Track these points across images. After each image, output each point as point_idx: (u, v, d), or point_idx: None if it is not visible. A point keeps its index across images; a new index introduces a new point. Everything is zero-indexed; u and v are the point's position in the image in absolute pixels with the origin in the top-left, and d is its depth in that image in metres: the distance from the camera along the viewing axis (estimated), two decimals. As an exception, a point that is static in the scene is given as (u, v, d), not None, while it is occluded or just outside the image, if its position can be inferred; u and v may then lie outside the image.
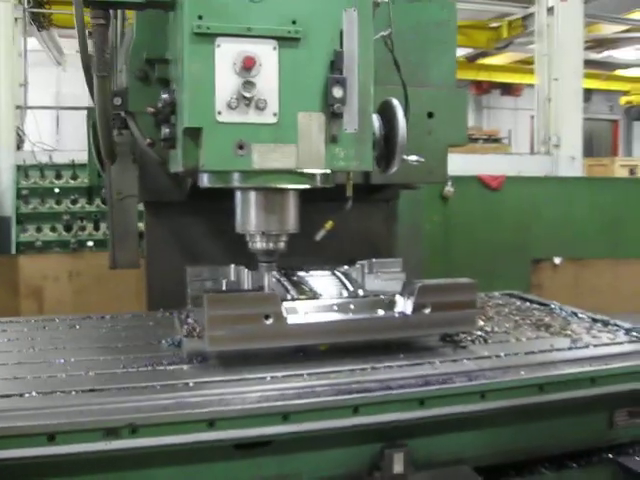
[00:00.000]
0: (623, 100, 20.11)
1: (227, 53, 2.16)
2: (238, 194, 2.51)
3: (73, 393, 2.05)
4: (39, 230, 7.05)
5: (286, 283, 2.70)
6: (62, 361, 2.41)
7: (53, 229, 7.06)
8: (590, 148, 17.11)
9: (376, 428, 2.14)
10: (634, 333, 2.78)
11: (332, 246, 2.95)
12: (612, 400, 2.46)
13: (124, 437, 1.88)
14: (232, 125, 2.18)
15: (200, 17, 2.13)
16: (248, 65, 2.15)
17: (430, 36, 3.28)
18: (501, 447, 2.38)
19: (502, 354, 2.46)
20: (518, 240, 6.42)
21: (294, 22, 2.21)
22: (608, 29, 13.75)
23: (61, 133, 11.10)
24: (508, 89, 20.08)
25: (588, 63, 12.17)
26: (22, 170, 7.13)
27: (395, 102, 2.55)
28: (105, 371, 2.27)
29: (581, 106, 9.35)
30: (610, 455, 2.52)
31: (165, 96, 2.41)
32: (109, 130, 2.72)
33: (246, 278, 2.87)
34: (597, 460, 2.51)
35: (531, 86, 12.14)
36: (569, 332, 2.81)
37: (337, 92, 2.21)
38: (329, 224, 2.80)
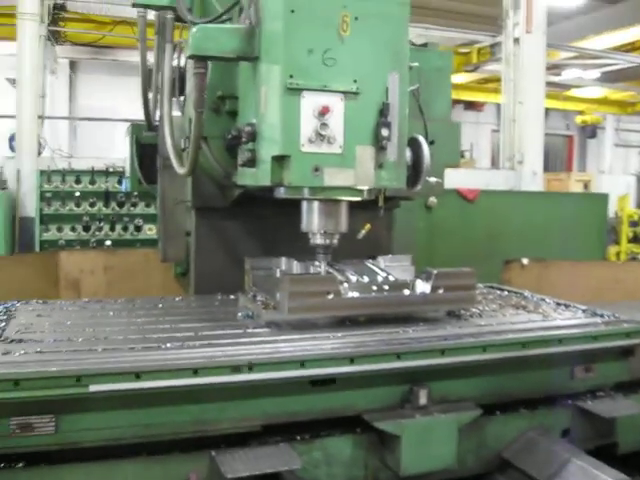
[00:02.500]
0: (579, 119, 21.26)
1: (309, 102, 2.96)
2: (304, 203, 3.30)
3: (197, 344, 2.76)
4: (60, 230, 7.68)
5: (332, 271, 3.45)
6: (169, 326, 3.09)
7: (73, 229, 7.70)
8: (547, 161, 18.21)
9: (407, 372, 2.93)
10: (588, 312, 3.67)
11: (345, 245, 3.55)
12: (573, 358, 3.31)
13: (244, 372, 2.62)
14: (311, 154, 2.99)
15: (291, 76, 2.94)
16: (324, 112, 2.96)
17: (431, 79, 4.07)
18: (494, 391, 3.19)
19: (494, 323, 3.31)
20: (491, 244, 7.35)
21: (355, 81, 3.03)
22: (564, 55, 14.86)
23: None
24: (471, 105, 21.01)
25: (547, 84, 13.21)
26: (45, 175, 7.72)
27: (421, 139, 3.38)
28: (209, 332, 2.96)
29: (542, 126, 10.32)
30: (570, 401, 3.35)
31: (248, 129, 3.16)
32: (198, 151, 3.47)
33: (295, 268, 3.61)
34: (560, 403, 3.34)
35: (493, 103, 13.03)
36: (541, 311, 3.66)
37: (384, 132, 3.03)
38: (367, 226, 3.57)
